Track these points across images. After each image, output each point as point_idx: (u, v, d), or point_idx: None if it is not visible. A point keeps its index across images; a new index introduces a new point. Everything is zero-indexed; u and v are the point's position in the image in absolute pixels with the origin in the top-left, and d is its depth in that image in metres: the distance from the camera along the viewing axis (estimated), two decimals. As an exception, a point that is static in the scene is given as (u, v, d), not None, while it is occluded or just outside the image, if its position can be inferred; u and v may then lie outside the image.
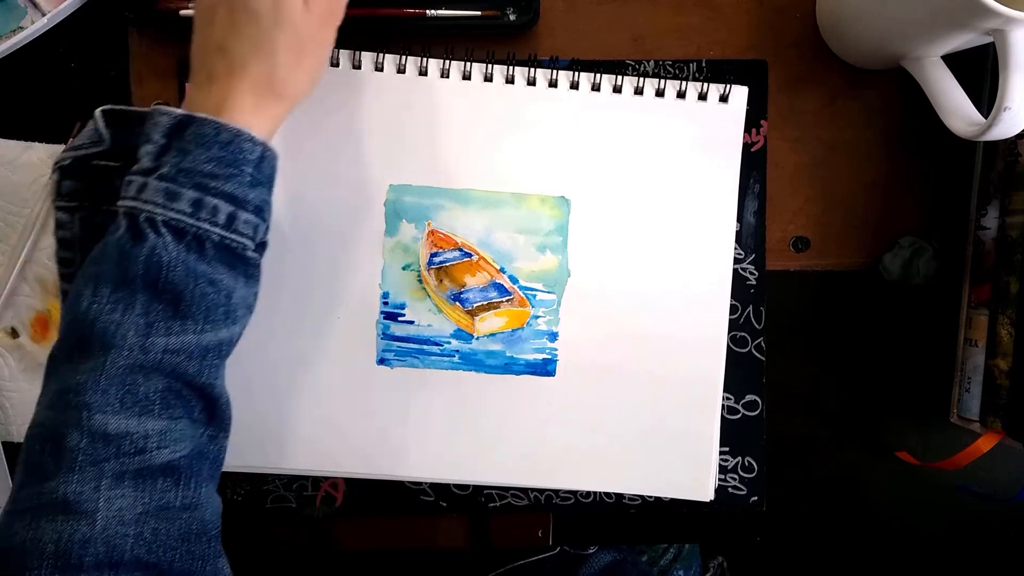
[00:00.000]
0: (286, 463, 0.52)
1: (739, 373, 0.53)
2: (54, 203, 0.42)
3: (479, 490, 0.54)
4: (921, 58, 0.47)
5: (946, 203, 0.54)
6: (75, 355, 0.35)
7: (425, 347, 0.51)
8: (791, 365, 0.55)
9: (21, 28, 0.50)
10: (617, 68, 0.52)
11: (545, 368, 0.52)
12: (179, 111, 0.37)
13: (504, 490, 0.54)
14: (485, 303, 0.51)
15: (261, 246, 0.40)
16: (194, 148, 0.36)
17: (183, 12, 0.50)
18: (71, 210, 0.43)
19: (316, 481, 0.54)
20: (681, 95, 0.51)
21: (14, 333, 0.52)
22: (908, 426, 0.55)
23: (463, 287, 0.51)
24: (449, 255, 0.51)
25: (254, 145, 0.38)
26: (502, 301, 0.51)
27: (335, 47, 0.50)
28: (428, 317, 0.51)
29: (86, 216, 0.43)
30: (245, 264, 0.39)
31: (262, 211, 0.39)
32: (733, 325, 0.53)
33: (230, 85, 0.38)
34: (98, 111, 0.42)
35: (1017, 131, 0.42)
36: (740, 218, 0.53)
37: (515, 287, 0.51)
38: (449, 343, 0.52)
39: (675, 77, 0.52)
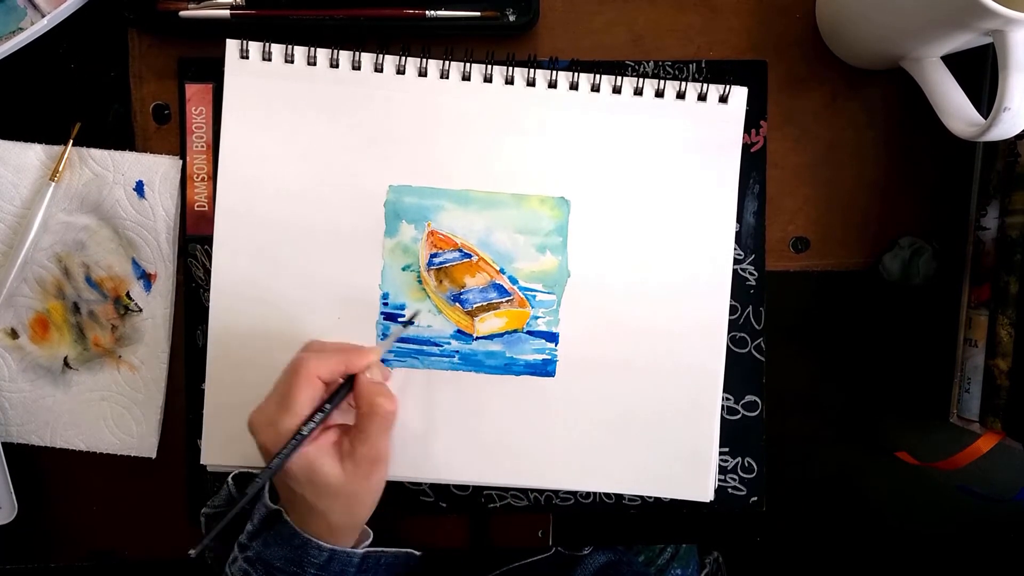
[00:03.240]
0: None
1: (739, 373, 0.53)
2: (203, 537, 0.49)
3: (479, 490, 0.54)
4: (921, 58, 0.47)
5: (946, 203, 0.54)
6: None
7: (425, 348, 0.52)
8: (791, 365, 0.55)
9: (21, 29, 0.50)
10: (617, 68, 0.52)
11: (545, 368, 0.52)
12: (273, 506, 0.44)
13: (504, 490, 0.54)
14: (485, 304, 0.51)
15: None
16: (273, 543, 0.44)
17: (183, 13, 0.50)
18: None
19: (316, 481, 0.54)
20: (681, 96, 0.51)
21: (14, 333, 0.52)
22: (908, 426, 0.55)
23: (463, 288, 0.51)
24: (449, 256, 0.51)
25: (321, 551, 0.43)
26: (502, 302, 0.51)
27: (335, 48, 0.50)
28: (428, 318, 0.51)
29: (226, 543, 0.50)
30: None
31: None
32: (733, 325, 0.53)
33: (305, 522, 0.44)
34: (230, 478, 0.48)
35: (1017, 131, 0.42)
36: (740, 218, 0.53)
37: (515, 288, 0.52)
38: (449, 344, 0.52)
39: (675, 78, 0.52)
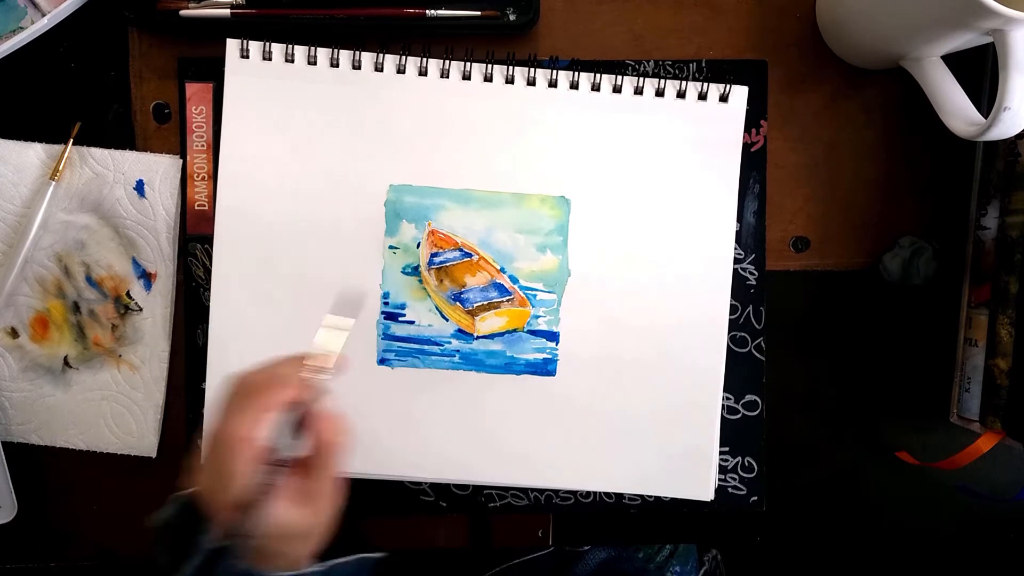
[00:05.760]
0: (286, 463, 0.52)
1: (739, 373, 0.53)
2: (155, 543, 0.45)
3: (479, 490, 0.54)
4: (921, 58, 0.47)
5: (946, 203, 0.54)
6: None
7: (426, 347, 0.52)
8: (791, 365, 0.55)
9: (21, 28, 0.50)
10: (617, 68, 0.52)
11: (545, 368, 0.52)
12: (215, 544, 0.39)
13: (504, 490, 0.54)
14: (485, 303, 0.51)
15: None
16: None
17: (183, 12, 0.50)
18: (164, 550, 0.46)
19: (316, 481, 0.53)
20: (681, 95, 0.51)
21: (14, 333, 0.52)
22: (908, 426, 0.55)
23: (463, 287, 0.51)
24: (449, 255, 0.51)
25: None
26: (502, 301, 0.51)
27: (336, 47, 0.50)
28: (428, 317, 0.51)
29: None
30: None
31: None
32: (733, 325, 0.53)
33: (268, 560, 0.40)
34: (172, 496, 0.44)
35: (1017, 131, 0.42)
36: (740, 218, 0.53)
37: (515, 287, 0.52)
38: (449, 343, 0.52)
39: (675, 77, 0.52)
